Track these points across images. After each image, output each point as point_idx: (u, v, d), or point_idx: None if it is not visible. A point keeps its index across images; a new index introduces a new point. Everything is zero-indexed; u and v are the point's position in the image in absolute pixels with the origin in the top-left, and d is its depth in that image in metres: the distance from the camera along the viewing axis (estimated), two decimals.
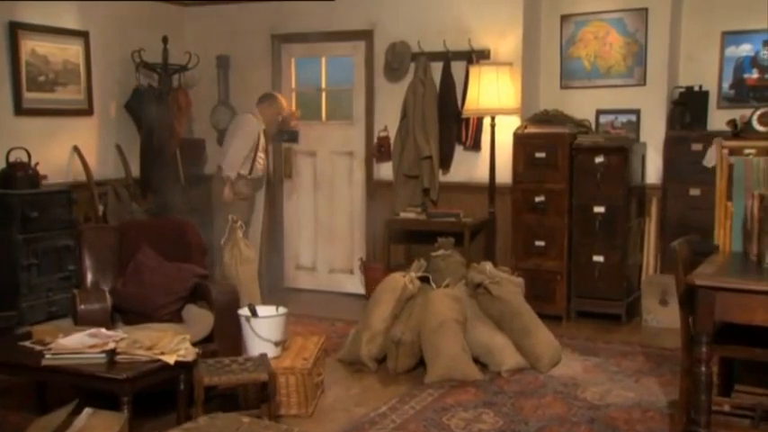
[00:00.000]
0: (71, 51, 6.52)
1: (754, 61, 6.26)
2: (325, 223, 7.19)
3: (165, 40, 7.07)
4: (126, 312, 4.48)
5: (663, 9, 6.27)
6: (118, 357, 3.57)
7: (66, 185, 6.11)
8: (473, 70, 6.14)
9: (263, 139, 6.42)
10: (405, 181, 6.63)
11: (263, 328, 4.18)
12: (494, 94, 5.98)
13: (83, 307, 4.19)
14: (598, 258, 5.99)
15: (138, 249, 4.77)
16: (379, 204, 6.86)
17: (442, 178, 6.59)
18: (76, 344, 3.62)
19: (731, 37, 6.30)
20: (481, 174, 6.47)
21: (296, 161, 7.26)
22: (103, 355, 3.57)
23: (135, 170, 7.05)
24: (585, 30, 6.53)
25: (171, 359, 3.59)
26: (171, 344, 3.70)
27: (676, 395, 4.39)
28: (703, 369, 3.43)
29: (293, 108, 7.10)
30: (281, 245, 7.37)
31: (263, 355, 3.94)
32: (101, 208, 6.50)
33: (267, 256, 7.19)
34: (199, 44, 7.31)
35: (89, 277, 4.66)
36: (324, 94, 7.20)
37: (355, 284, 7.07)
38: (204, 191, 7.19)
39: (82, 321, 4.14)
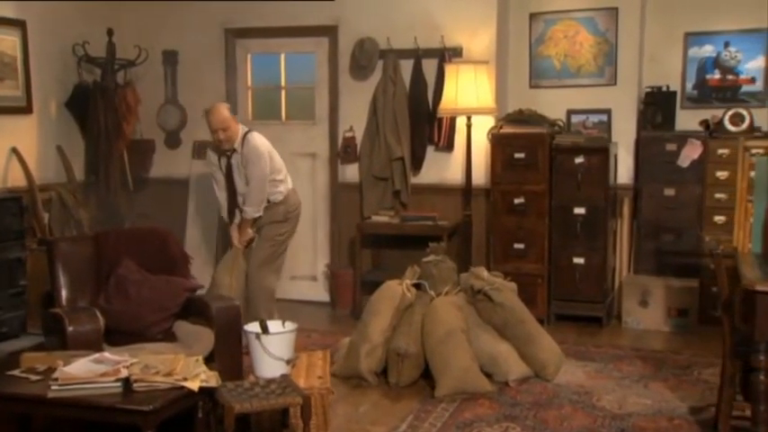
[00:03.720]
0: (7, 43, 5.92)
1: (716, 62, 6.33)
2: None
3: (110, 32, 6.57)
4: (111, 332, 4.03)
5: (633, 9, 6.26)
6: (135, 386, 3.17)
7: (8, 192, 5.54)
8: (450, 69, 5.94)
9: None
10: (374, 183, 6.37)
11: (275, 345, 3.84)
12: (472, 94, 5.80)
13: (72, 329, 3.73)
14: (579, 260, 5.91)
15: (117, 262, 4.33)
16: (344, 208, 6.58)
17: (413, 180, 6.37)
18: (85, 372, 3.19)
19: (694, 38, 6.35)
20: (453, 175, 6.30)
21: None
22: (118, 383, 3.16)
23: (78, 174, 6.50)
24: (555, 28, 6.45)
25: (195, 385, 3.22)
26: (189, 368, 3.32)
27: (692, 401, 4.38)
28: (762, 378, 3.35)
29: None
30: None
31: (286, 377, 3.61)
32: (46, 216, 5.94)
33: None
34: (143, 38, 6.80)
35: (64, 294, 4.19)
36: (283, 93, 6.83)
37: (319, 292, 6.76)
38: (154, 195, 6.74)
39: (71, 345, 3.68)
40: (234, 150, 5.27)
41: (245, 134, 5.29)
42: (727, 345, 3.72)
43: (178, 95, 6.98)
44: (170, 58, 6.94)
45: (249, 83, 6.87)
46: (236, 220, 5.42)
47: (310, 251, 6.79)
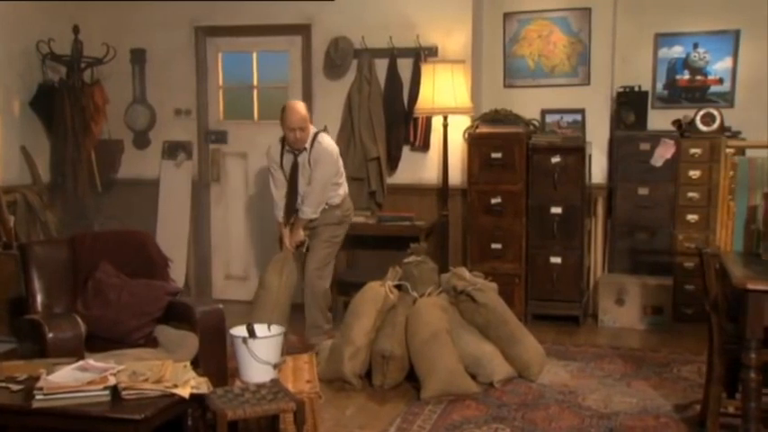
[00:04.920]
0: None
1: (685, 63, 6.40)
2: (259, 229, 6.73)
3: (75, 29, 6.40)
4: (90, 338, 3.90)
5: (605, 9, 6.30)
6: (124, 394, 3.06)
7: None
8: (426, 68, 5.91)
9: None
10: (349, 183, 6.27)
11: (262, 349, 3.75)
12: (449, 93, 5.78)
13: (52, 335, 3.59)
14: (555, 260, 5.92)
15: (94, 266, 4.20)
16: None
17: (389, 180, 6.32)
18: (71, 380, 3.07)
19: (664, 39, 6.41)
20: (429, 175, 6.27)
21: (224, 163, 6.75)
22: (106, 392, 3.05)
23: (44, 175, 6.32)
24: (529, 28, 6.46)
25: (185, 392, 3.12)
26: (178, 374, 3.22)
27: (675, 399, 4.41)
28: (753, 375, 3.37)
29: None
30: (209, 254, 6.83)
31: (276, 381, 3.52)
32: (11, 219, 5.75)
33: (193, 266, 6.69)
34: (110, 35, 6.63)
35: (40, 300, 4.04)
36: (255, 92, 6.72)
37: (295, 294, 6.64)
38: (123, 197, 6.59)
39: (51, 352, 3.55)
40: (303, 149, 5.22)
41: (316, 134, 5.26)
42: (715, 343, 3.74)
43: (147, 95, 6.82)
44: (138, 56, 6.78)
45: (220, 82, 6.75)
46: (281, 219, 5.41)
47: None
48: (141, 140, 6.82)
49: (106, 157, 6.61)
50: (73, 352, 3.56)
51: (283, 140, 5.31)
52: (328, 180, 5.26)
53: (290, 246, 5.33)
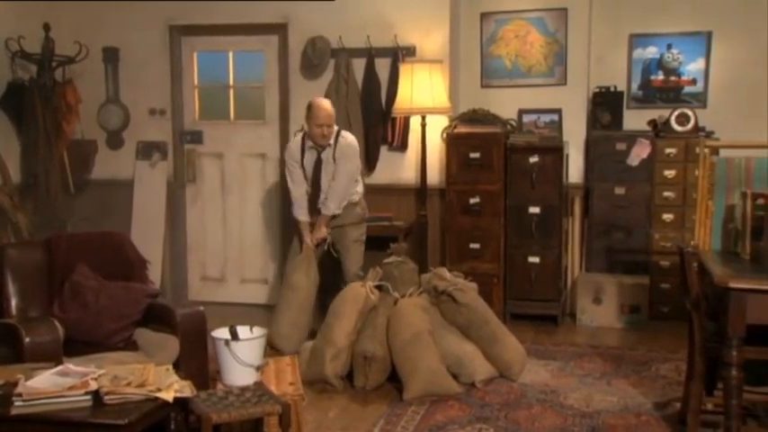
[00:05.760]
0: None
1: (659, 63, 6.46)
2: (236, 230, 6.67)
3: (46, 27, 6.28)
4: (68, 342, 3.82)
5: (581, 10, 6.33)
6: (106, 398, 3.00)
7: None
8: (404, 68, 5.89)
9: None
10: None
11: (244, 352, 3.70)
12: (427, 93, 5.76)
13: (29, 340, 3.51)
14: (534, 259, 5.94)
15: (70, 268, 4.12)
16: None
17: (367, 180, 6.25)
18: (51, 386, 3.01)
19: (638, 39, 6.46)
20: (408, 175, 6.25)
21: (200, 164, 6.67)
22: (88, 397, 2.99)
23: (14, 175, 6.20)
24: (506, 28, 6.47)
25: (169, 396, 3.07)
26: (161, 378, 3.17)
27: (655, 396, 4.44)
28: (734, 373, 3.39)
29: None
30: (184, 255, 6.75)
31: (260, 384, 3.48)
32: None
33: (169, 267, 6.62)
34: (82, 34, 6.52)
35: (14, 303, 3.96)
36: (232, 92, 6.65)
37: (270, 295, 6.61)
38: (96, 198, 6.49)
39: (28, 357, 3.47)
40: (327, 145, 5.25)
41: (339, 130, 5.32)
42: (697, 341, 3.76)
43: (120, 94, 6.72)
44: (111, 55, 6.67)
45: (196, 81, 6.67)
46: (303, 218, 5.38)
47: (261, 253, 6.64)
48: (115, 141, 6.72)
49: (79, 157, 6.50)
50: (51, 356, 3.49)
51: (303, 137, 5.30)
52: (353, 175, 5.33)
53: (311, 243, 5.29)
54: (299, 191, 5.36)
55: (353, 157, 5.33)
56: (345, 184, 5.29)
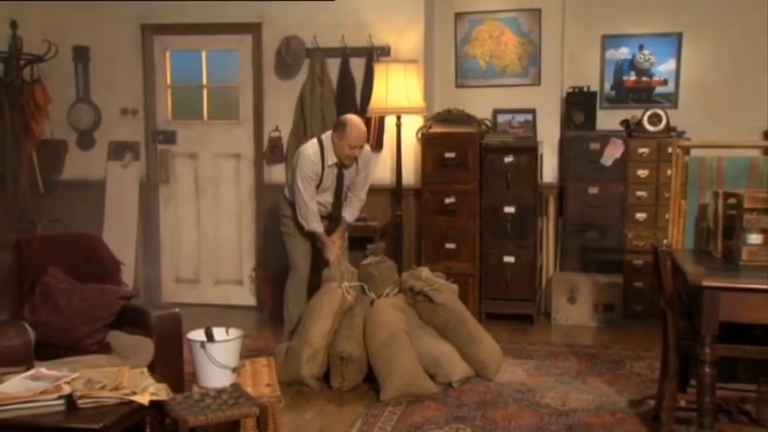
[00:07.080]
0: None
1: (631, 64, 6.51)
2: (210, 231, 6.61)
3: (14, 24, 6.18)
4: (39, 345, 3.76)
5: (555, 10, 6.36)
6: (79, 402, 2.95)
7: None
8: (379, 68, 5.87)
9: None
10: None
11: (220, 353, 3.66)
12: (402, 93, 5.74)
13: None
14: (509, 259, 5.96)
15: (41, 270, 4.05)
16: (271, 209, 6.39)
17: None
18: (22, 390, 2.95)
19: (611, 40, 6.51)
20: (383, 175, 6.23)
21: (173, 164, 6.61)
22: (61, 401, 2.94)
23: None
24: (480, 28, 6.49)
25: (144, 399, 3.04)
26: (136, 381, 3.13)
27: (629, 394, 4.48)
28: (707, 370, 3.42)
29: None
30: (158, 256, 6.68)
31: (237, 386, 3.45)
32: None
33: (142, 269, 6.55)
34: (51, 32, 6.44)
35: None
36: (205, 91, 6.59)
37: (245, 296, 6.57)
38: (67, 199, 6.40)
39: None
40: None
41: None
42: (670, 339, 3.79)
43: (91, 94, 6.64)
44: (81, 54, 6.59)
45: (168, 81, 6.60)
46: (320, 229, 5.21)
47: (235, 254, 6.60)
48: (86, 141, 6.63)
49: (49, 157, 6.41)
50: (21, 360, 3.42)
51: (322, 149, 5.04)
52: (369, 182, 5.41)
53: (334, 256, 5.12)
54: (314, 203, 5.11)
55: (373, 164, 5.52)
56: (365, 193, 5.36)
